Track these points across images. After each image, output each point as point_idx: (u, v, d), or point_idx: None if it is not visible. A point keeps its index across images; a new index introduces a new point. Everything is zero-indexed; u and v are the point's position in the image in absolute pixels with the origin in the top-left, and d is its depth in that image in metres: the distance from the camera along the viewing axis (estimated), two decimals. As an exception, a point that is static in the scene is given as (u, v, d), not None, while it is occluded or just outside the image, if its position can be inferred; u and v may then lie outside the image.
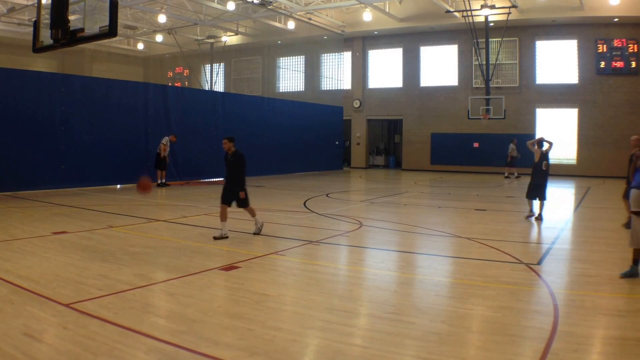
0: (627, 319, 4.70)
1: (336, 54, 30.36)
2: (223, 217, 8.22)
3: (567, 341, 4.11)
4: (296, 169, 24.44)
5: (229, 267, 6.41)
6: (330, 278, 6.25)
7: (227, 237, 8.14)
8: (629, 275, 6.00)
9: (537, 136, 24.82)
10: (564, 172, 24.79)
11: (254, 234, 8.57)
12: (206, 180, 19.61)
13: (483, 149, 26.48)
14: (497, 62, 25.21)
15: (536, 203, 10.81)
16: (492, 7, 22.67)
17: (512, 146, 22.43)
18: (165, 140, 16.94)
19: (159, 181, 16.82)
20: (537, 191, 10.69)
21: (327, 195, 15.26)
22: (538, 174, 10.65)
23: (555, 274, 6.34)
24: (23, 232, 8.58)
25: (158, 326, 4.42)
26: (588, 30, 24.16)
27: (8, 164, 13.86)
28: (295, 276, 6.40)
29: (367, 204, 13.67)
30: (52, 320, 4.46)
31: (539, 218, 10.66)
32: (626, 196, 7.30)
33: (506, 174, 22.87)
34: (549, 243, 8.28)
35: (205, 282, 5.80)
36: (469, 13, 22.38)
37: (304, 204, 13.12)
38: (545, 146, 10.77)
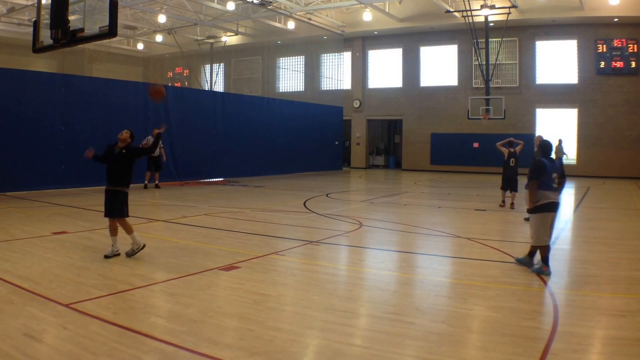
0: (627, 319, 4.70)
1: (336, 54, 30.36)
2: (114, 231, 6.86)
3: (567, 341, 4.11)
4: (296, 169, 24.43)
5: (229, 267, 6.41)
6: (330, 278, 6.24)
7: (119, 254, 6.86)
8: (521, 262, 6.65)
9: (536, 136, 24.84)
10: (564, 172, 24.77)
11: (127, 255, 6.85)
12: (206, 180, 19.62)
13: (483, 149, 26.47)
14: (497, 62, 25.21)
15: (509, 194, 12.77)
16: (492, 7, 22.66)
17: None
18: (147, 140, 15.61)
19: (146, 182, 16.20)
20: (508, 184, 12.64)
21: (327, 196, 15.27)
22: (508, 169, 12.58)
23: (555, 274, 6.33)
24: (23, 232, 8.57)
25: (158, 326, 4.42)
26: (588, 30, 24.16)
27: (8, 164, 13.86)
28: (295, 276, 6.40)
29: (367, 204, 13.66)
30: (52, 321, 4.45)
31: (512, 207, 12.48)
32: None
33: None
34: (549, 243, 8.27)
35: (205, 282, 5.80)
36: (469, 13, 22.37)
37: (304, 204, 13.12)
38: (518, 146, 12.65)
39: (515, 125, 25.80)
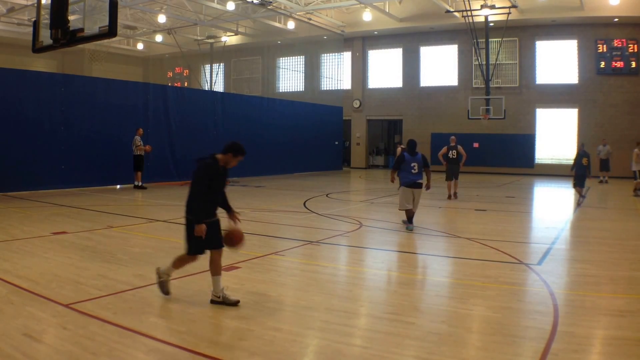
0: (627, 319, 4.70)
1: (336, 54, 30.35)
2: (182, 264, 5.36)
3: (567, 341, 4.11)
4: (296, 169, 24.42)
5: (229, 268, 6.40)
6: (330, 278, 6.24)
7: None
8: (408, 229, 9.15)
9: (537, 136, 24.81)
10: (564, 172, 24.73)
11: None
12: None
13: (483, 149, 26.46)
14: (497, 62, 25.20)
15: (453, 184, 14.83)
16: (492, 7, 22.66)
17: (600, 147, 21.27)
18: (138, 140, 15.88)
19: (137, 183, 16.07)
20: (451, 174, 14.87)
21: (327, 196, 15.26)
22: (449, 162, 14.97)
23: (555, 274, 6.33)
24: (23, 232, 8.57)
25: (158, 326, 4.42)
26: (588, 30, 24.16)
27: (8, 164, 13.84)
28: (295, 276, 6.40)
29: (367, 204, 13.66)
30: (52, 321, 4.45)
31: (455, 197, 14.71)
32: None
33: (604, 179, 21.01)
34: (549, 243, 8.28)
35: (205, 283, 5.78)
36: (469, 13, 22.37)
37: (304, 204, 13.11)
38: (452, 142, 15.08)
39: (515, 125, 25.81)
